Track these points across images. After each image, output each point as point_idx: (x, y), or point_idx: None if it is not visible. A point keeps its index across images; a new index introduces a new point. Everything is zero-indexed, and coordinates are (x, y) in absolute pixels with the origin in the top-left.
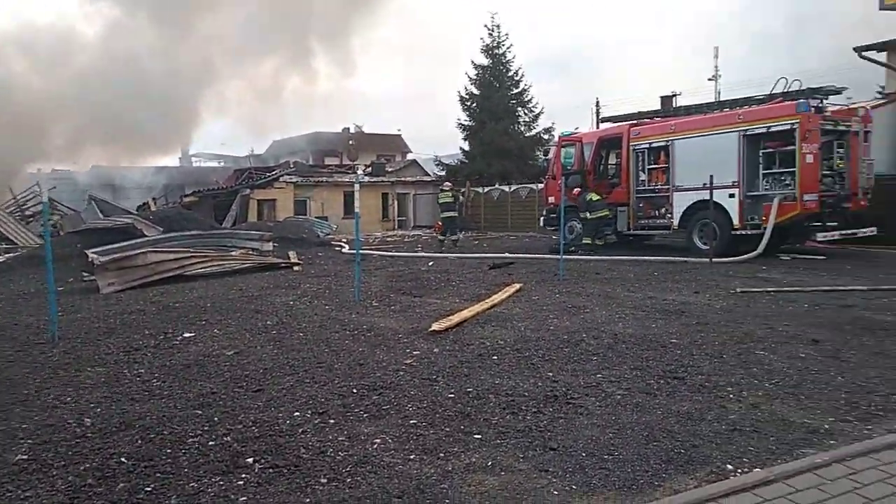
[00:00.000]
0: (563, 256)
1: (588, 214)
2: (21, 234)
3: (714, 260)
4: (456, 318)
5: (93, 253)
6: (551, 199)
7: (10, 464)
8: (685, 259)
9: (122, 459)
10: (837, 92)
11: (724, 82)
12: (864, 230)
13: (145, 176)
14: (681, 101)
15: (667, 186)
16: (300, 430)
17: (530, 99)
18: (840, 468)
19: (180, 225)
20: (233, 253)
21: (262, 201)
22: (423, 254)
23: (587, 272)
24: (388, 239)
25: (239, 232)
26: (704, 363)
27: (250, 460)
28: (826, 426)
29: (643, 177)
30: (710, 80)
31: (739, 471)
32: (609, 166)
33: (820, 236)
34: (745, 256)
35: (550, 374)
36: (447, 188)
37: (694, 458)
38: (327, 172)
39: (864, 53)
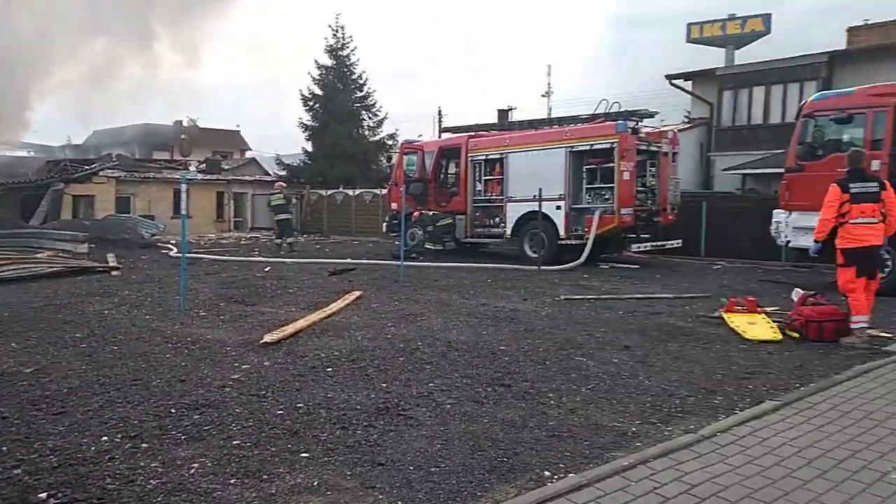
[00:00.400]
0: (404, 263)
1: (431, 227)
2: None
3: (542, 268)
4: (290, 329)
5: None
6: (394, 206)
7: None
8: (516, 267)
9: None
10: (651, 115)
11: (556, 99)
12: (672, 242)
13: None
14: (516, 115)
15: (501, 197)
16: (107, 457)
17: (375, 103)
18: (643, 469)
19: None
20: (40, 255)
21: (79, 197)
22: (260, 258)
23: (426, 279)
24: (223, 241)
25: (48, 231)
26: (529, 370)
27: (44, 495)
28: (633, 429)
29: (480, 187)
30: (543, 96)
31: (556, 477)
32: (449, 175)
33: (634, 247)
34: (570, 265)
35: (384, 384)
36: (278, 189)
37: (515, 466)
38: (156, 168)
39: (673, 81)
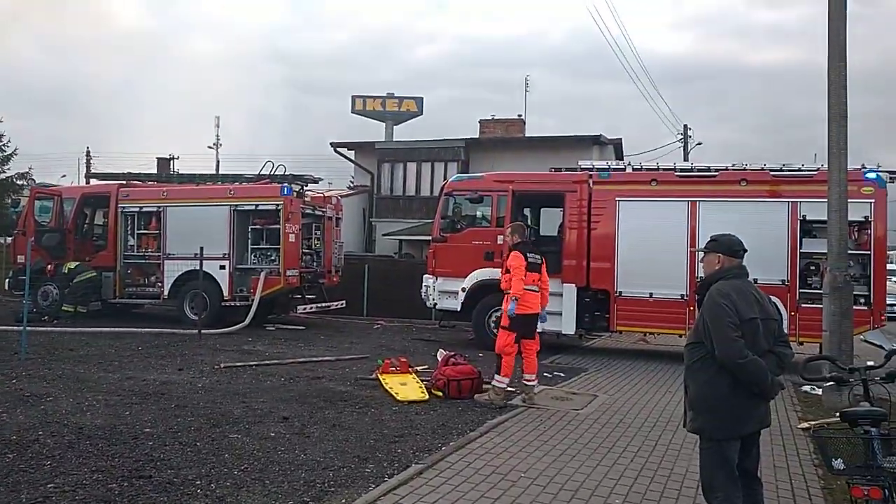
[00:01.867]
0: (29, 328)
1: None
2: None
3: (203, 331)
4: None
5: None
6: (20, 258)
7: None
8: (174, 331)
9: None
10: (315, 181)
11: (225, 152)
12: (336, 303)
13: None
14: (180, 166)
15: (158, 253)
16: None
17: (1, 135)
18: None
19: None
20: None
21: None
22: None
23: (58, 348)
24: None
25: None
26: (177, 454)
27: None
28: None
29: (132, 241)
30: (210, 147)
31: None
32: (94, 226)
33: (300, 309)
34: (234, 328)
35: None
36: None
37: None
38: None
39: (337, 149)
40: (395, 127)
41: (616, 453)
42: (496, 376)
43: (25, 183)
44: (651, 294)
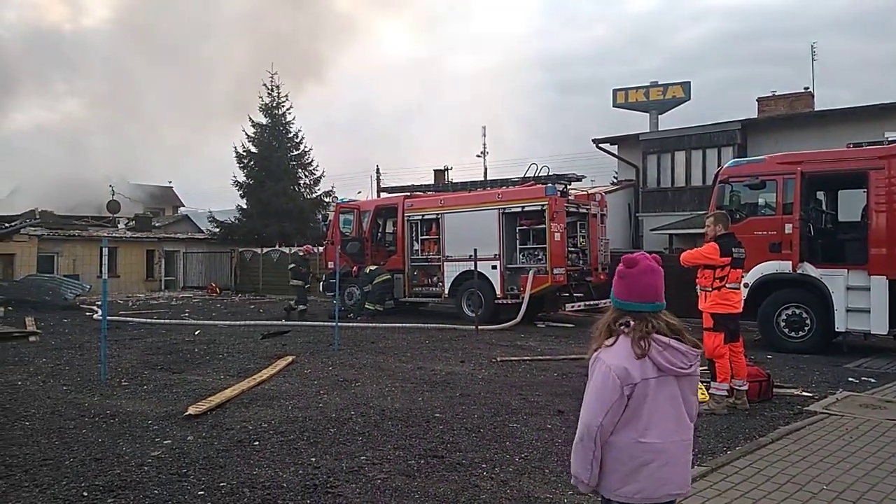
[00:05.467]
0: (339, 324)
1: (370, 285)
2: None
3: (480, 327)
4: (217, 399)
5: None
6: (330, 265)
7: None
8: (455, 326)
9: None
10: (578, 179)
11: (492, 159)
12: (604, 301)
13: None
14: (453, 175)
15: (438, 256)
16: None
17: (311, 161)
18: None
19: None
20: None
21: None
22: (190, 321)
23: (362, 341)
24: (153, 302)
25: None
26: (463, 439)
27: None
28: (566, 500)
29: (417, 246)
30: (478, 156)
31: None
32: (386, 234)
33: (568, 306)
34: (507, 324)
35: (314, 458)
36: (305, 252)
37: None
38: (81, 225)
39: (600, 145)
40: (659, 116)
41: None
42: (712, 384)
43: (330, 200)
44: None
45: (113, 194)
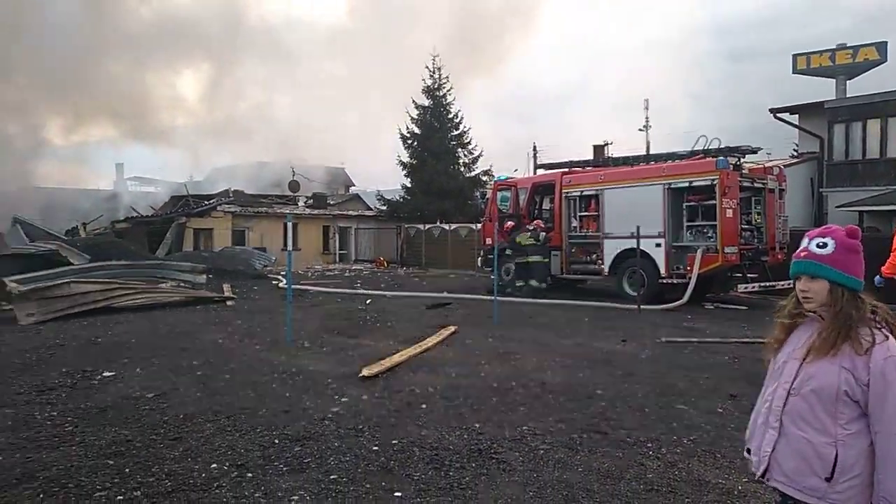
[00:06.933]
0: (498, 298)
1: (529, 258)
2: None
3: (642, 307)
4: (387, 363)
5: (11, 281)
6: (488, 241)
7: None
8: (615, 305)
9: None
10: (753, 151)
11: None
12: (783, 282)
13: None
14: (613, 151)
15: (597, 234)
16: (215, 485)
17: (469, 141)
18: None
19: (109, 253)
20: (163, 285)
21: (199, 230)
22: (362, 290)
23: (520, 316)
24: (328, 273)
25: (171, 263)
26: (627, 417)
27: None
28: (740, 487)
29: (575, 223)
30: (640, 130)
31: None
32: (543, 211)
33: (741, 288)
34: (672, 305)
35: (477, 425)
36: (534, 227)
37: None
38: (267, 203)
39: (778, 115)
40: (847, 82)
41: None
42: None
43: (488, 178)
44: None
45: (293, 175)
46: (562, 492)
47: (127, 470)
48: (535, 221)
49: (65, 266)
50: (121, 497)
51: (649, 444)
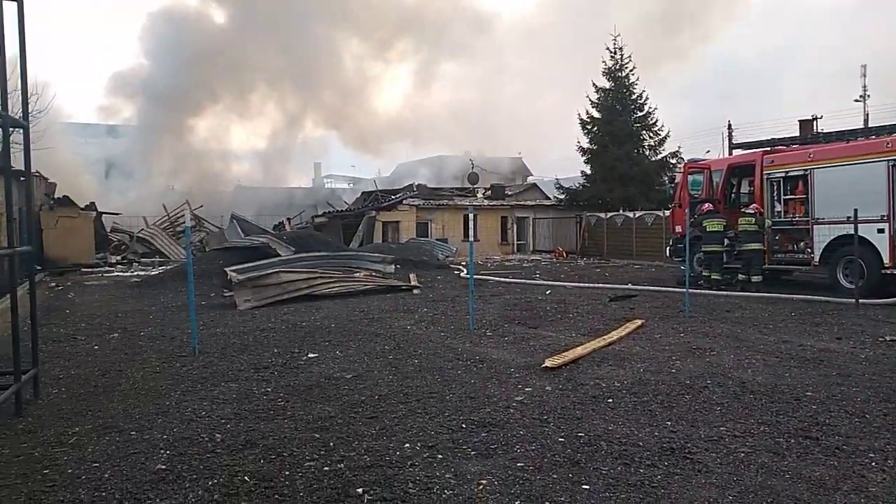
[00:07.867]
0: (690, 290)
1: (743, 246)
2: (173, 248)
3: (861, 301)
4: (570, 355)
5: (231, 271)
6: (678, 229)
7: (151, 472)
8: (827, 299)
9: (246, 478)
10: None
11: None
12: None
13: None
14: (823, 125)
15: (806, 219)
16: (409, 463)
17: (655, 122)
18: None
19: (310, 245)
20: (357, 274)
21: (387, 223)
22: (541, 281)
23: (716, 309)
24: (507, 264)
25: (363, 253)
26: (843, 422)
27: (360, 490)
28: None
29: (779, 208)
30: (856, 101)
31: None
32: (741, 195)
33: None
34: None
35: (668, 423)
36: (753, 211)
37: None
38: (448, 195)
39: None
40: None
41: None
42: None
43: (677, 161)
44: None
45: (472, 167)
46: (766, 498)
47: (331, 443)
48: (752, 205)
49: (273, 257)
50: (327, 468)
51: (872, 455)
